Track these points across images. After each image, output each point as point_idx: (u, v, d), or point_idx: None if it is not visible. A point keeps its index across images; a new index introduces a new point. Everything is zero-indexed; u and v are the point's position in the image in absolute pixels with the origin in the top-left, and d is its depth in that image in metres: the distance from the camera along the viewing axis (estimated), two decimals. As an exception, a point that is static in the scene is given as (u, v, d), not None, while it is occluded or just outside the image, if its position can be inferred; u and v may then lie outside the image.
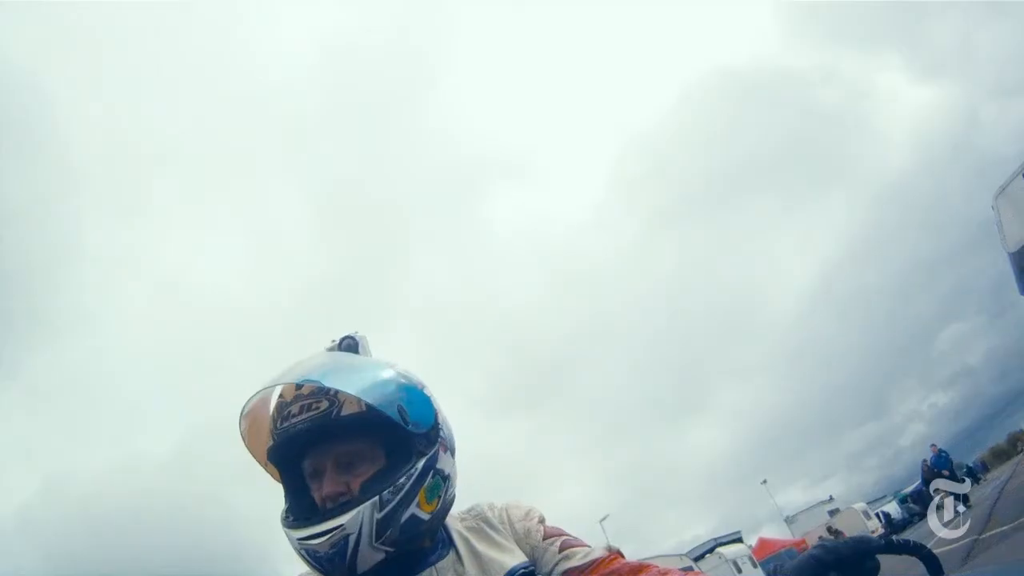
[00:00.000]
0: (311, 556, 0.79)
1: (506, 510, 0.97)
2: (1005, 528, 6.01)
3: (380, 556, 0.79)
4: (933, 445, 14.08)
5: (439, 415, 0.91)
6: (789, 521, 32.61)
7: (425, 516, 0.84)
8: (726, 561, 20.47)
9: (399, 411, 0.83)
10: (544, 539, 0.92)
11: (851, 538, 0.68)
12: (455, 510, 0.95)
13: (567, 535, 0.93)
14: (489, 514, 0.97)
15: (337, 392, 0.83)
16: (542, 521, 0.96)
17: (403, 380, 0.88)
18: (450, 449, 0.92)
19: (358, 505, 0.78)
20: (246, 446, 0.93)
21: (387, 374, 0.88)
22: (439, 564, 0.86)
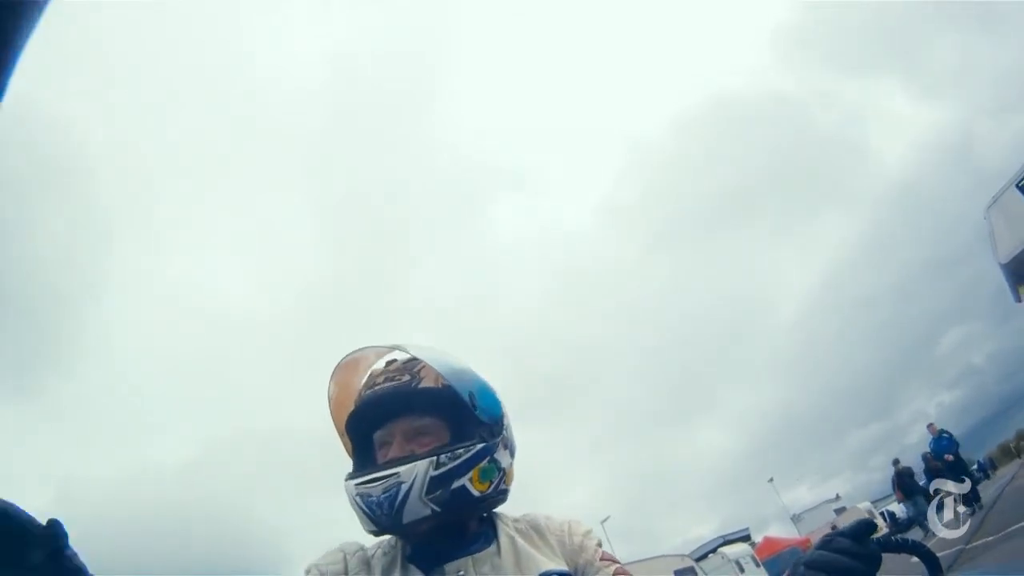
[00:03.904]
0: (364, 502, 0.85)
1: (568, 523, 1.00)
2: (989, 539, 5.91)
3: (427, 512, 0.83)
4: (931, 425, 10.67)
5: (506, 417, 0.98)
6: (795, 520, 32.44)
7: (476, 493, 0.87)
8: (729, 561, 20.51)
9: (470, 396, 0.91)
10: (600, 560, 0.94)
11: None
12: (510, 515, 1.00)
13: (620, 564, 0.96)
14: (543, 522, 0.99)
15: (420, 370, 0.93)
16: (600, 545, 0.98)
17: (480, 377, 0.97)
18: (510, 449, 0.98)
19: (417, 460, 0.85)
20: (330, 410, 1.01)
21: (469, 369, 0.96)
22: (478, 555, 0.89)
